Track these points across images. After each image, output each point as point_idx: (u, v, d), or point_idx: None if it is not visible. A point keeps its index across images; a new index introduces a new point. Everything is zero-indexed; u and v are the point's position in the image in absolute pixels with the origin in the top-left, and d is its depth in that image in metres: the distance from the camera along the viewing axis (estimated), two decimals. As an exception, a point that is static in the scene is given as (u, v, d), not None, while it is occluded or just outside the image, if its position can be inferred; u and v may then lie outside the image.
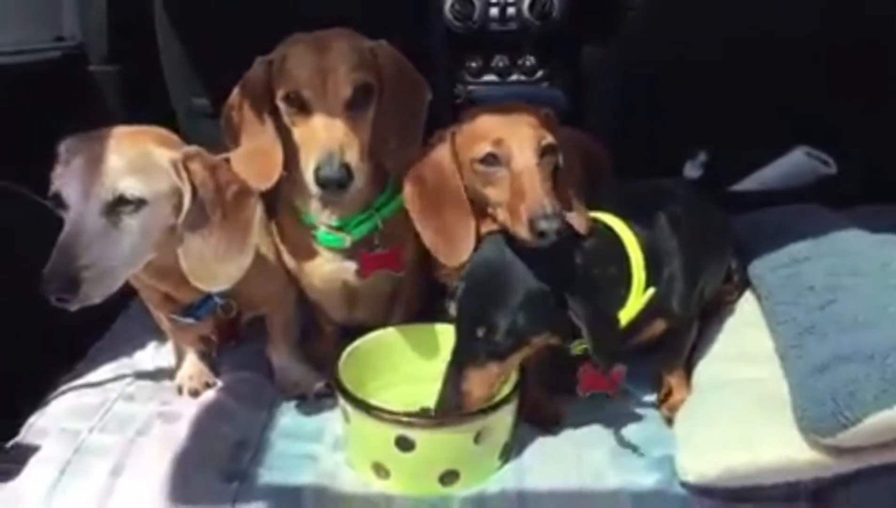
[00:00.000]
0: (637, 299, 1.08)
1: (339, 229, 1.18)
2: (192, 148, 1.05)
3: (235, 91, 1.15)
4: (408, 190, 1.11)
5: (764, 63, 1.56)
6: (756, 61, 1.55)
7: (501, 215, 1.04)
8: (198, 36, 2.02)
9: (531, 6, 3.10)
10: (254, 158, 1.12)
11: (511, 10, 3.13)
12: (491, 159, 1.04)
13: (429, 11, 2.16)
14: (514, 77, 3.29)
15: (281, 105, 1.10)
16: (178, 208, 1.02)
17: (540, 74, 3.30)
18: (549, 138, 1.04)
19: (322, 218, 1.18)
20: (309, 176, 1.05)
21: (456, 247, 1.09)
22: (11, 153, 1.44)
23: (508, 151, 1.03)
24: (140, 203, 0.98)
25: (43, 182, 1.53)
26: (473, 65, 3.18)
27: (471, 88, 2.40)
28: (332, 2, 1.82)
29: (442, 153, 1.09)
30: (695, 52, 1.56)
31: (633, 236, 1.10)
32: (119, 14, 2.07)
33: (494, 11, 3.13)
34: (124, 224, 0.97)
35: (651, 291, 1.09)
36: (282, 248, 1.25)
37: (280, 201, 1.23)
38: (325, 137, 1.04)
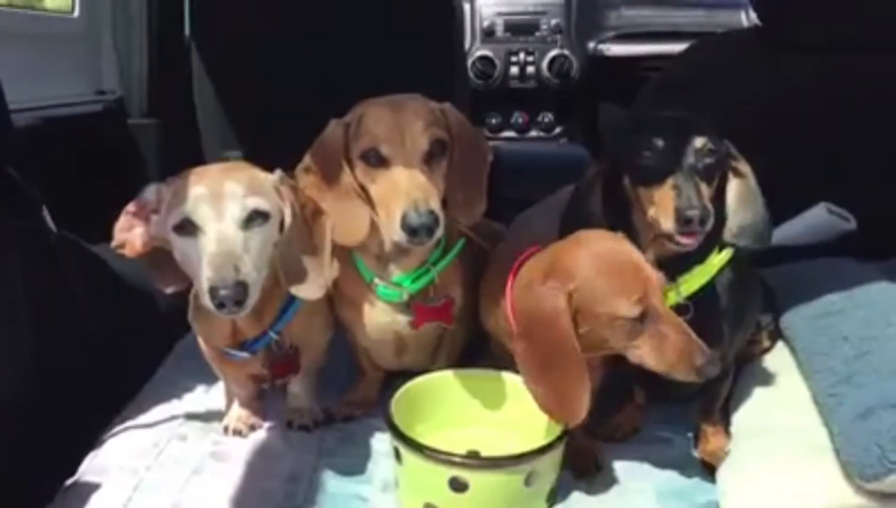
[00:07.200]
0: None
1: (398, 284, 1.22)
2: (279, 172, 1.13)
3: (308, 155, 1.19)
4: (519, 348, 1.06)
5: (786, 129, 1.63)
6: (780, 126, 1.62)
7: None
8: (233, 91, 2.11)
9: (550, 65, 3.23)
10: (342, 216, 1.15)
11: (530, 70, 3.29)
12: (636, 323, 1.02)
13: (454, 71, 2.25)
14: (532, 133, 3.41)
15: (358, 162, 1.14)
16: (281, 225, 1.11)
17: (558, 130, 3.42)
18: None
19: (383, 275, 1.22)
20: (394, 225, 1.07)
21: (572, 407, 1.05)
22: (55, 202, 1.50)
23: (654, 310, 1.02)
24: (266, 216, 1.07)
25: (82, 231, 1.59)
26: (493, 121, 3.32)
27: (491, 143, 2.53)
28: (360, 63, 1.91)
29: (556, 310, 1.02)
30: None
31: None
32: (157, 70, 2.17)
33: (515, 70, 3.28)
34: (256, 237, 1.05)
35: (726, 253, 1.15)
36: (337, 301, 1.29)
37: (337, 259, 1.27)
38: (407, 187, 1.08)
